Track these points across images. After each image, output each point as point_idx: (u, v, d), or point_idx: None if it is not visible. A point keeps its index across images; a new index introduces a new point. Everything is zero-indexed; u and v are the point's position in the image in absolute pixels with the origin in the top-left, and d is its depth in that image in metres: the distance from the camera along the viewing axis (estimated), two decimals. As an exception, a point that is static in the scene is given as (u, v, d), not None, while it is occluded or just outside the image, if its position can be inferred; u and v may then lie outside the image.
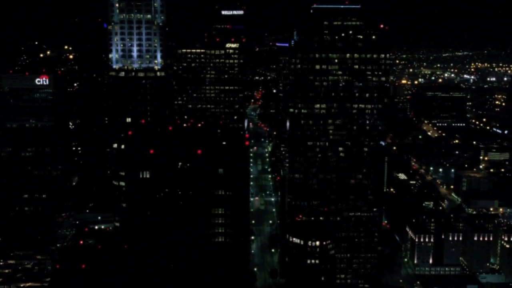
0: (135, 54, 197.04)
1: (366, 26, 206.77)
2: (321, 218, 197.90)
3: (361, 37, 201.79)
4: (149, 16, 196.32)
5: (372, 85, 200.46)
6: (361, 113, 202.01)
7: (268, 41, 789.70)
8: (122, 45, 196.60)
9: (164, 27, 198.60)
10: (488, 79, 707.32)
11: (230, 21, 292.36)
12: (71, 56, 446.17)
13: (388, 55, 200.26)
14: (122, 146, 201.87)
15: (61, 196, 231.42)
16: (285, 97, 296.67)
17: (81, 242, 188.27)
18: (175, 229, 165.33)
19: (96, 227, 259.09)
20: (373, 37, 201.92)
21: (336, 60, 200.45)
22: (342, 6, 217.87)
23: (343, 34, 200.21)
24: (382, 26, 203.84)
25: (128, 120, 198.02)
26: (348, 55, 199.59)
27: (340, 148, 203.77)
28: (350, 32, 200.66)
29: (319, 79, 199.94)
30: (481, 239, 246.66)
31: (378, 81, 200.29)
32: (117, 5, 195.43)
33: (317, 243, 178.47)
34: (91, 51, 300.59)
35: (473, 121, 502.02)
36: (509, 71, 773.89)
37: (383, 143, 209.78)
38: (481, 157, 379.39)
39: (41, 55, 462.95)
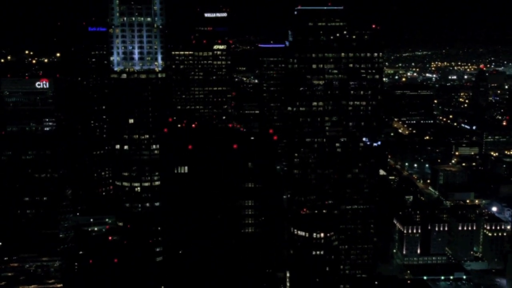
0: (136, 56, 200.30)
1: (350, 26, 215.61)
2: (324, 211, 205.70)
3: (354, 36, 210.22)
4: (149, 19, 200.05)
5: (366, 82, 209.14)
6: (356, 110, 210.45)
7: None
8: (123, 47, 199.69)
9: (163, 30, 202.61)
10: (450, 77, 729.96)
11: (213, 23, 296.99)
12: (34, 61, 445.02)
13: (381, 53, 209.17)
14: (125, 147, 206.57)
15: (62, 198, 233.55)
16: (270, 97, 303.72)
17: (110, 238, 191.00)
18: (207, 221, 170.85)
19: (90, 229, 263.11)
20: (366, 36, 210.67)
21: (331, 60, 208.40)
22: (325, 8, 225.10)
23: (338, 34, 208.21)
24: (374, 26, 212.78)
25: (131, 121, 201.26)
26: (343, 54, 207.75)
27: (337, 144, 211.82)
28: (344, 32, 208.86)
29: (316, 77, 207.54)
30: (465, 228, 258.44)
31: (372, 78, 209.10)
32: (117, 8, 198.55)
33: (322, 235, 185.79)
34: (75, 54, 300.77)
35: (440, 118, 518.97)
36: (468, 70, 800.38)
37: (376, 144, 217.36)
38: (452, 152, 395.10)
39: (2, 60, 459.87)
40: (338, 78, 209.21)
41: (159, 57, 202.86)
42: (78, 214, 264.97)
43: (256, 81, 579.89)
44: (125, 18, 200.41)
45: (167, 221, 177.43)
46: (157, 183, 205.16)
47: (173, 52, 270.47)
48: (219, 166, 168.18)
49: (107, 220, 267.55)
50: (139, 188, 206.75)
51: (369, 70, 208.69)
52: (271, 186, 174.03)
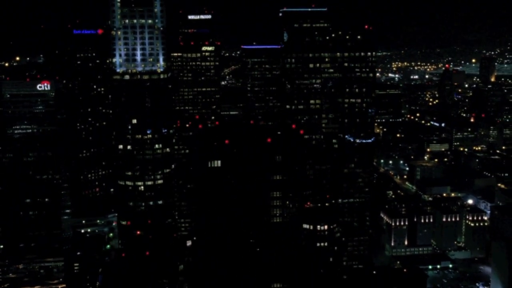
0: (138, 58, 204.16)
1: (333, 27, 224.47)
2: (327, 204, 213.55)
3: (347, 37, 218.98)
4: (150, 21, 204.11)
5: (360, 80, 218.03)
6: (351, 107, 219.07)
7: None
8: (125, 49, 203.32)
9: (164, 31, 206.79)
10: (412, 77, 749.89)
11: (197, 25, 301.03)
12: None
13: (374, 52, 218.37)
14: (128, 147, 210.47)
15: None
16: (255, 98, 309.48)
17: (138, 232, 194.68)
18: (239, 210, 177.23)
19: (83, 231, 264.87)
20: (359, 37, 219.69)
21: (327, 59, 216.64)
22: (309, 9, 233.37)
23: (333, 35, 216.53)
24: (366, 26, 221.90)
25: (134, 121, 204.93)
26: (338, 54, 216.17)
27: (334, 140, 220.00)
28: (340, 33, 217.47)
29: (313, 76, 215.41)
30: (448, 220, 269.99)
31: (366, 77, 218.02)
32: (119, 11, 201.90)
33: (325, 227, 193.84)
34: (59, 57, 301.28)
35: (408, 116, 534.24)
36: (428, 69, 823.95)
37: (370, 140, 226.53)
38: (423, 149, 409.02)
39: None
40: (334, 77, 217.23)
41: (161, 58, 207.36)
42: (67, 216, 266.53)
43: (223, 83, 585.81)
44: (126, 21, 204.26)
45: (199, 213, 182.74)
46: (160, 181, 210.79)
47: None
48: (249, 160, 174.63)
49: (98, 221, 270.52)
50: (142, 187, 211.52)
51: (363, 69, 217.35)
52: (296, 178, 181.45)
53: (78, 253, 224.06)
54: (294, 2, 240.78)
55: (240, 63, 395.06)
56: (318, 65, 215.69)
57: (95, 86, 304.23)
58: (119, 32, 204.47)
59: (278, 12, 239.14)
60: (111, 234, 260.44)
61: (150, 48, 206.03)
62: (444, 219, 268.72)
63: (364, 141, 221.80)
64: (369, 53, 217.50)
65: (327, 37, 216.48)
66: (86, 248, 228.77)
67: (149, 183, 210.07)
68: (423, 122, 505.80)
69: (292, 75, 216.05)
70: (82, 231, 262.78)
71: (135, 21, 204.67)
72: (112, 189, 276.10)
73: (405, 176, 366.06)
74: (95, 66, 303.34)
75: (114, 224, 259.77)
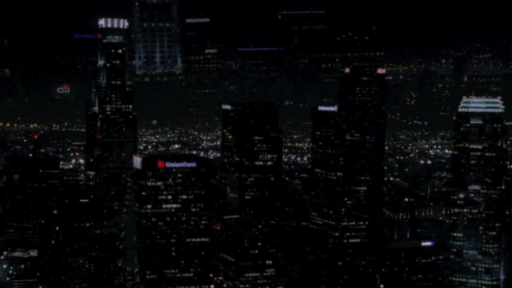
0: (158, 60, 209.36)
1: (331, 28, 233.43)
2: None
3: (356, 37, 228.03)
4: (168, 24, 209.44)
5: (370, 79, 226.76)
6: (361, 104, 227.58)
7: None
8: (145, 52, 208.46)
9: (182, 34, 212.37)
10: (386, 78, 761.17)
11: (195, 29, 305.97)
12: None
13: (382, 52, 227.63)
14: (149, 147, 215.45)
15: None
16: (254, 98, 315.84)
17: (185, 226, 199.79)
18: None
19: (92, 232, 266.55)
20: (367, 37, 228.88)
21: (337, 59, 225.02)
22: (308, 12, 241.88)
23: (343, 36, 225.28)
24: (374, 28, 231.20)
25: (154, 122, 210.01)
26: (349, 54, 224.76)
27: (346, 137, 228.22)
28: (349, 33, 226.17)
29: (326, 75, 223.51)
30: (448, 212, 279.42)
31: (375, 75, 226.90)
32: (138, 14, 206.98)
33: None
34: (59, 61, 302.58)
35: (389, 115, 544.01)
36: (400, 70, 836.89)
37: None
38: (410, 146, 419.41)
39: None
40: (345, 76, 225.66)
41: (179, 60, 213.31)
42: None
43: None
44: (145, 24, 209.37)
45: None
46: (179, 180, 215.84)
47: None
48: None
49: (105, 223, 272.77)
50: (163, 186, 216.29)
51: (372, 68, 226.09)
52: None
53: (94, 253, 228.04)
54: (290, 5, 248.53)
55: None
56: (329, 65, 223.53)
57: (95, 90, 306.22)
58: (138, 36, 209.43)
59: (273, 15, 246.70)
60: (121, 235, 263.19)
61: (168, 50, 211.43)
62: (443, 212, 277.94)
63: (373, 137, 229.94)
64: (377, 53, 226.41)
65: (338, 38, 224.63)
66: (101, 248, 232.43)
67: (168, 182, 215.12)
68: (404, 121, 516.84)
69: (305, 75, 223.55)
70: (92, 232, 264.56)
71: (153, 24, 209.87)
72: (112, 192, 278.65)
73: (395, 173, 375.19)
74: (95, 70, 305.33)
75: (122, 225, 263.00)
